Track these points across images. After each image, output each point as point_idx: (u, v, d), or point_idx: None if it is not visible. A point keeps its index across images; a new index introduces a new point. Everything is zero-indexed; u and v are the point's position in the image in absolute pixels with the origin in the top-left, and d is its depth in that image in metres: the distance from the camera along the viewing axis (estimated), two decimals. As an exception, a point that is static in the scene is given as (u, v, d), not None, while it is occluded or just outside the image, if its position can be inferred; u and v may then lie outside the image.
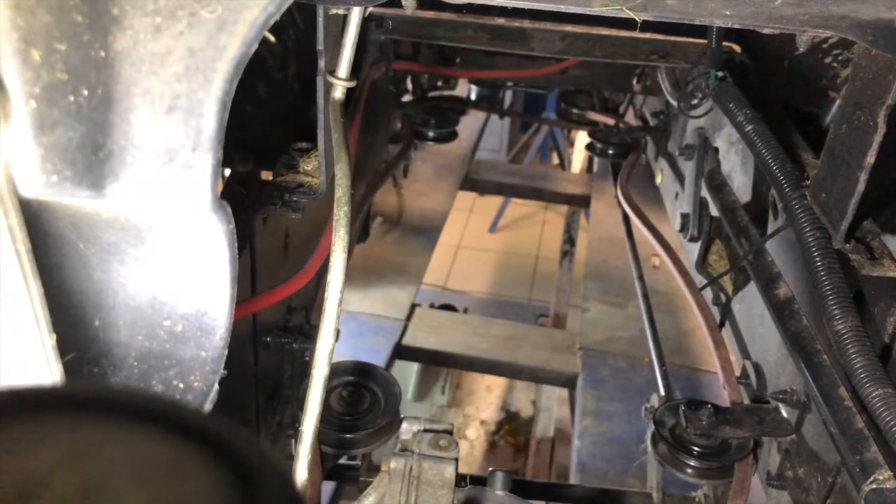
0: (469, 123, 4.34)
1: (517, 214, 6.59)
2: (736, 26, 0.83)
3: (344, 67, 0.88)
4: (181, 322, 0.44)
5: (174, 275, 0.44)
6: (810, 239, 0.96)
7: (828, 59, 1.20)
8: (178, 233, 0.42)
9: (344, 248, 0.67)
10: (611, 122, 2.41)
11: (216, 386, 0.44)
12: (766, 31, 0.80)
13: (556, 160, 6.76)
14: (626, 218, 2.26)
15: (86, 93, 0.38)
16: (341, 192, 0.71)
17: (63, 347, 0.44)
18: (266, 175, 1.05)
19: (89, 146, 0.38)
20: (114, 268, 0.44)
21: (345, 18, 0.88)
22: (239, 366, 0.99)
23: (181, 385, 0.44)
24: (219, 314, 0.44)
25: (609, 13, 0.82)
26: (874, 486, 0.78)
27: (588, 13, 0.81)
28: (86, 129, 0.38)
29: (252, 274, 0.96)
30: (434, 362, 3.17)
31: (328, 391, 0.95)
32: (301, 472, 0.74)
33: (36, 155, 0.37)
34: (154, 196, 0.40)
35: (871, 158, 0.88)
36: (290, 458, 0.78)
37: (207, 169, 0.40)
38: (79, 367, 0.44)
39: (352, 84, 0.89)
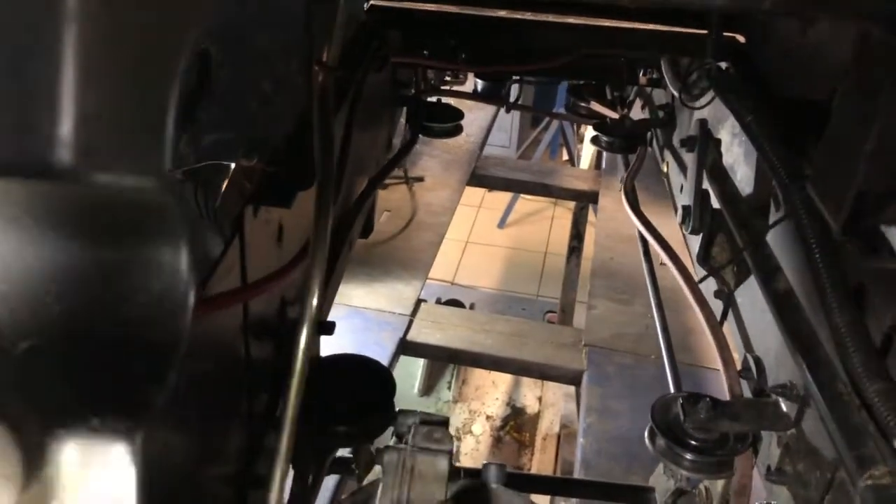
0: (477, 119, 4.33)
1: (526, 210, 6.57)
2: (731, 12, 0.82)
3: (333, 56, 0.87)
4: (140, 308, 0.43)
5: (131, 256, 0.43)
6: (809, 230, 0.94)
7: (832, 46, 1.18)
8: (131, 212, 0.41)
9: (325, 237, 0.66)
10: (615, 115, 2.39)
11: (175, 373, 0.43)
12: (760, 16, 0.79)
13: (565, 156, 6.74)
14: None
15: (36, 65, 0.37)
16: (322, 179, 0.70)
17: (20, 333, 0.43)
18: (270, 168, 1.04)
19: (40, 121, 0.37)
20: (70, 248, 0.43)
21: (336, 7, 0.87)
22: (229, 357, 0.98)
23: (140, 371, 0.43)
24: (179, 300, 0.43)
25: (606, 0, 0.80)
26: (870, 481, 0.76)
27: (586, 1, 0.80)
28: (35, 103, 0.37)
29: (242, 264, 0.95)
30: (439, 358, 3.16)
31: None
32: (281, 464, 0.73)
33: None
34: (104, 172, 0.39)
35: (870, 147, 0.86)
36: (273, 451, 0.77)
37: (160, 146, 0.39)
38: (38, 354, 0.43)
39: (341, 73, 0.88)
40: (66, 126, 0.37)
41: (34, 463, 0.42)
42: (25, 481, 0.41)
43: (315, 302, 0.69)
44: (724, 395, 1.19)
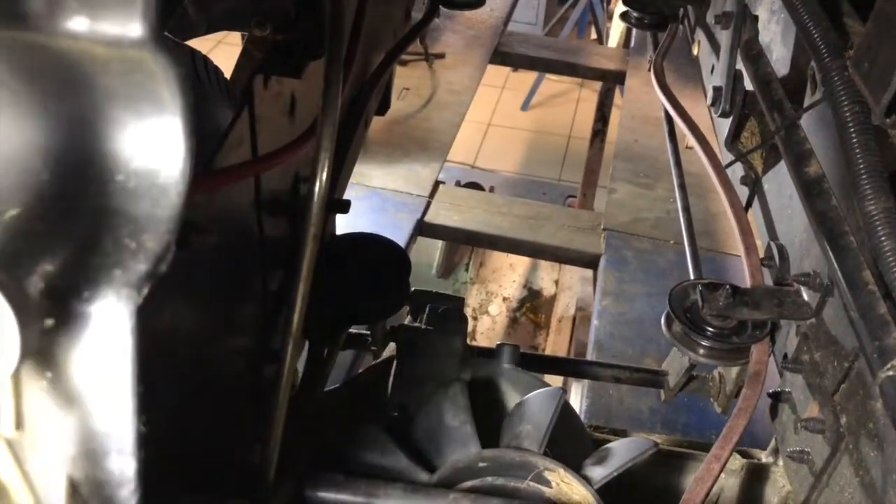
0: (503, -8, 4.16)
1: (551, 92, 6.41)
2: None
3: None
4: (134, 177, 0.41)
5: (123, 124, 0.40)
6: (847, 113, 0.89)
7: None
8: (120, 75, 0.38)
9: (335, 110, 0.62)
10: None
11: (172, 247, 0.41)
12: None
13: (594, 35, 6.51)
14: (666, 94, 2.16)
15: None
16: (332, 46, 0.66)
17: (7, 201, 0.41)
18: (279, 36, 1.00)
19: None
20: (58, 113, 0.40)
21: None
22: (242, 232, 0.97)
23: (133, 245, 0.41)
24: (173, 169, 0.40)
25: None
26: (890, 373, 0.75)
27: None
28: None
29: (252, 137, 0.92)
30: (455, 240, 3.16)
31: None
32: (292, 339, 0.73)
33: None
34: (89, 28, 0.35)
35: (922, 23, 0.79)
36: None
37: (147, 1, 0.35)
38: (26, 223, 0.41)
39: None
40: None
41: (30, 332, 0.41)
42: (23, 350, 0.40)
43: (324, 177, 0.67)
44: (745, 282, 1.17)
